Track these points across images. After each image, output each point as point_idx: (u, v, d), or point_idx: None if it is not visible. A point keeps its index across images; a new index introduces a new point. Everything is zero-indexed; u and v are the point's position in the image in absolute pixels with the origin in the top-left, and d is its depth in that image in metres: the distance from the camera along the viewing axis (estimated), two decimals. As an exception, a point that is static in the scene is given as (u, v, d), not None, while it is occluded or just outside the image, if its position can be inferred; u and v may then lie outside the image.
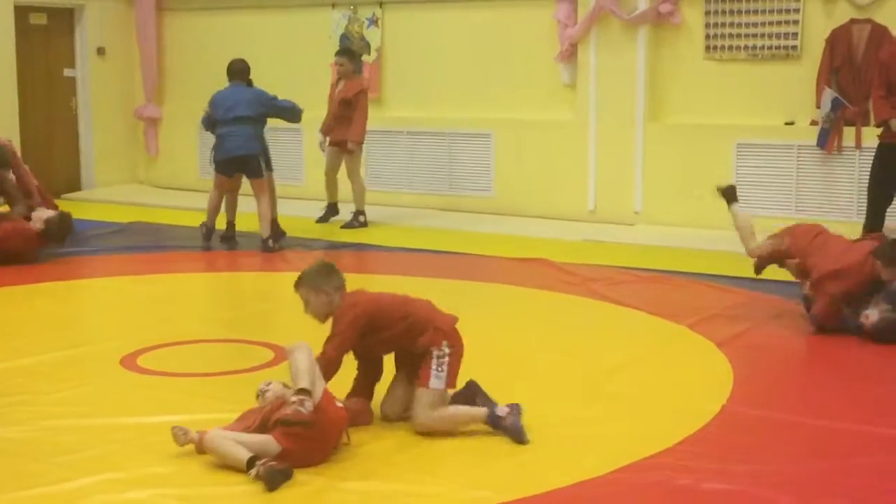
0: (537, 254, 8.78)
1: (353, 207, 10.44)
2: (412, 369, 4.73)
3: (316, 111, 10.47)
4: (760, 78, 9.89)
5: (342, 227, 10.29)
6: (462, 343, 4.79)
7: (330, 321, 4.73)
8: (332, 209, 10.58)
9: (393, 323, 4.72)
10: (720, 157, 9.89)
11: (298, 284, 4.78)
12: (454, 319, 4.83)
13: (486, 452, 4.47)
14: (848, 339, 6.30)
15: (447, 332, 4.73)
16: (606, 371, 5.67)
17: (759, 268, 7.00)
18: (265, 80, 10.30)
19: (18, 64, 12.18)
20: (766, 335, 6.43)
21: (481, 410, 4.65)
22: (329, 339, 4.66)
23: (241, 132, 9.17)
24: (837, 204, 9.46)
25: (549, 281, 7.89)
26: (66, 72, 12.99)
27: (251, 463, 4.10)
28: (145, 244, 9.56)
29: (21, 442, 4.54)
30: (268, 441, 4.20)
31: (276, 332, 6.38)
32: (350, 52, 10.58)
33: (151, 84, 13.29)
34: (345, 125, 10.19)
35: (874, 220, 8.41)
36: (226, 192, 9.49)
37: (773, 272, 7.58)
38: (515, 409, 4.62)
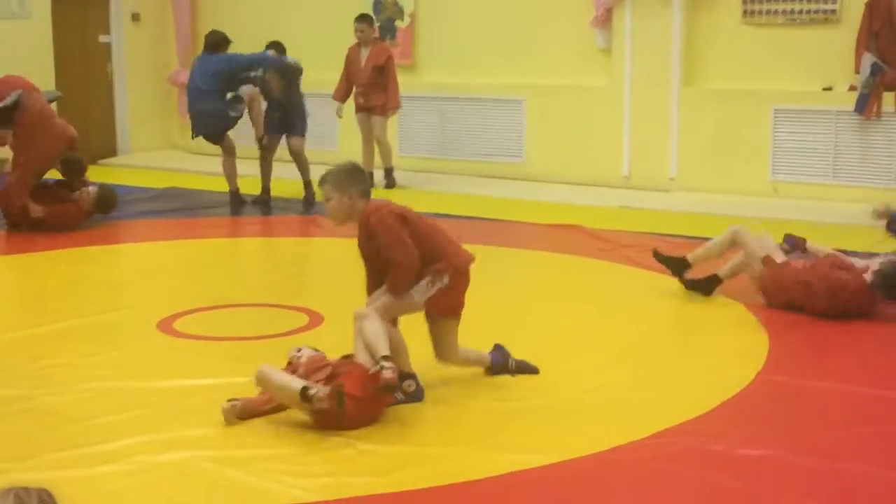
0: (570, 220, 8.75)
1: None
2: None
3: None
4: (798, 42, 9.76)
5: (385, 187, 10.42)
6: (467, 282, 4.69)
7: (347, 227, 4.75)
8: (370, 178, 10.63)
9: (417, 237, 4.60)
10: (757, 123, 9.79)
11: (324, 181, 4.69)
12: (471, 259, 4.75)
13: (521, 417, 4.49)
14: (886, 309, 6.25)
15: (458, 269, 4.65)
16: (640, 337, 5.66)
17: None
18: (298, 46, 10.31)
19: (54, 31, 12.26)
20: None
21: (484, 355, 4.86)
22: (389, 250, 4.53)
23: (199, 110, 9.46)
24: (875, 171, 9.36)
25: (582, 247, 7.87)
26: (102, 38, 13.05)
27: (305, 392, 4.15)
28: (180, 209, 9.62)
29: (60, 404, 4.60)
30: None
31: (310, 296, 6.41)
32: (369, 17, 10.61)
33: (185, 49, 13.30)
34: (378, 91, 10.37)
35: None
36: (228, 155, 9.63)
37: (815, 240, 7.54)
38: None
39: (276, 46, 9.86)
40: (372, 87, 10.37)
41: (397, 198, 9.96)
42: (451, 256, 4.68)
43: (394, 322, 4.70)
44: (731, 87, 10.01)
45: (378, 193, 10.02)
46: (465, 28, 11.43)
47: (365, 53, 10.37)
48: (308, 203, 9.56)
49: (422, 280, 4.61)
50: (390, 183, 10.62)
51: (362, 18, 10.47)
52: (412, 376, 4.64)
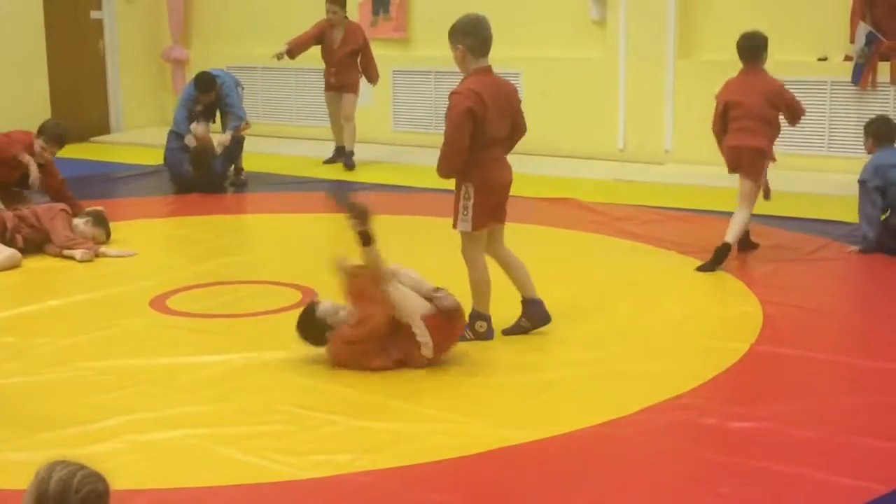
0: (566, 193, 8.72)
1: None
2: None
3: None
4: (793, 13, 9.69)
5: (326, 161, 10.50)
6: (496, 196, 5.06)
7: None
8: (340, 151, 10.60)
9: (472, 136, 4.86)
10: (752, 95, 9.72)
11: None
12: (510, 180, 5.11)
13: (513, 391, 4.48)
14: (880, 281, 6.24)
15: (482, 183, 4.95)
16: (633, 310, 5.65)
17: None
18: (299, 23, 10.23)
19: (45, 8, 12.18)
20: (797, 275, 6.37)
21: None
22: (446, 129, 4.91)
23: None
24: (871, 141, 9.30)
25: (578, 220, 7.85)
26: (93, 14, 12.97)
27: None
28: (174, 186, 9.57)
29: (52, 382, 4.60)
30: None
31: (302, 272, 6.38)
32: None
33: (178, 25, 13.24)
34: (351, 70, 10.30)
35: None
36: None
37: (807, 211, 7.53)
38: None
39: (203, 83, 9.46)
40: (345, 67, 10.29)
41: (386, 174, 10.00)
42: (483, 168, 4.96)
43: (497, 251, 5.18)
44: (727, 59, 9.86)
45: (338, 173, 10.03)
46: (459, 1, 11.33)
47: (338, 34, 10.28)
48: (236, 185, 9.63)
49: (459, 195, 5.00)
50: (349, 165, 10.37)
51: (335, 0, 10.25)
52: (485, 318, 4.96)
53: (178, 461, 3.81)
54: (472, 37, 4.87)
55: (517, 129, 5.12)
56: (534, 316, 5.13)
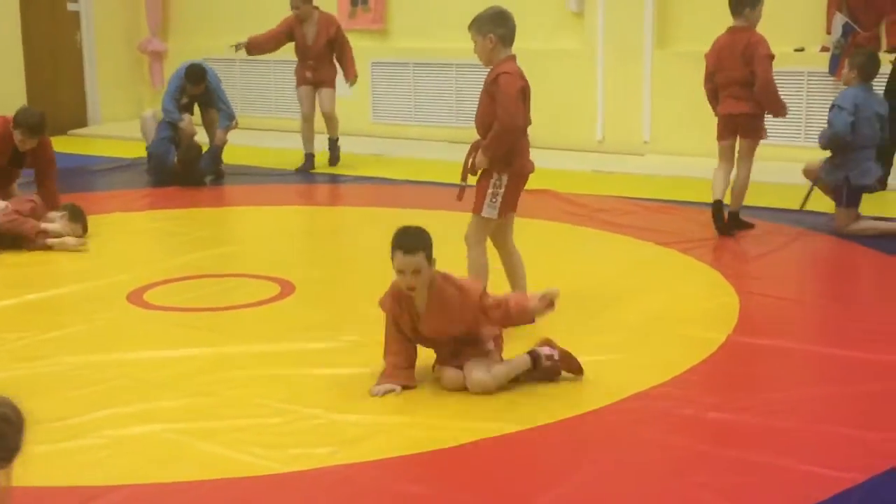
0: (544, 185, 8.72)
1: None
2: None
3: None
4: (769, 3, 9.63)
5: (297, 170, 9.91)
6: (524, 182, 5.17)
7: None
8: (310, 161, 10.01)
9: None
10: (730, 85, 9.75)
11: (470, 25, 5.08)
12: (532, 168, 5.21)
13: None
14: (854, 270, 6.28)
15: (517, 171, 5.02)
16: (612, 301, 5.66)
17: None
18: (278, 15, 10.19)
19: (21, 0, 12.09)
20: (773, 265, 6.40)
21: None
22: (501, 109, 5.02)
23: None
24: (848, 131, 9.35)
25: (556, 212, 7.86)
26: (70, 6, 12.90)
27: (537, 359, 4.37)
28: (151, 179, 9.53)
29: (29, 378, 4.57)
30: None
31: (280, 266, 6.37)
32: None
33: (156, 17, 13.18)
34: (329, 64, 9.83)
35: (887, 148, 8.32)
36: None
37: (784, 202, 7.57)
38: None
39: (195, 75, 9.47)
40: (322, 62, 9.77)
41: (365, 167, 9.98)
42: (520, 157, 5.09)
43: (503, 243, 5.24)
44: (704, 49, 9.92)
45: (322, 167, 9.97)
46: (436, -8, 11.34)
47: (310, 28, 9.71)
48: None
49: (489, 182, 5.06)
50: (335, 157, 10.03)
51: None
52: None
53: (156, 456, 3.79)
54: (502, 27, 5.04)
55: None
56: None
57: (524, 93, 5.01)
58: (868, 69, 7.03)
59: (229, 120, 9.61)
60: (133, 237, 7.57)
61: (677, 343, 4.94)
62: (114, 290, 5.93)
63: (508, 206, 5.15)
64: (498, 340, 4.44)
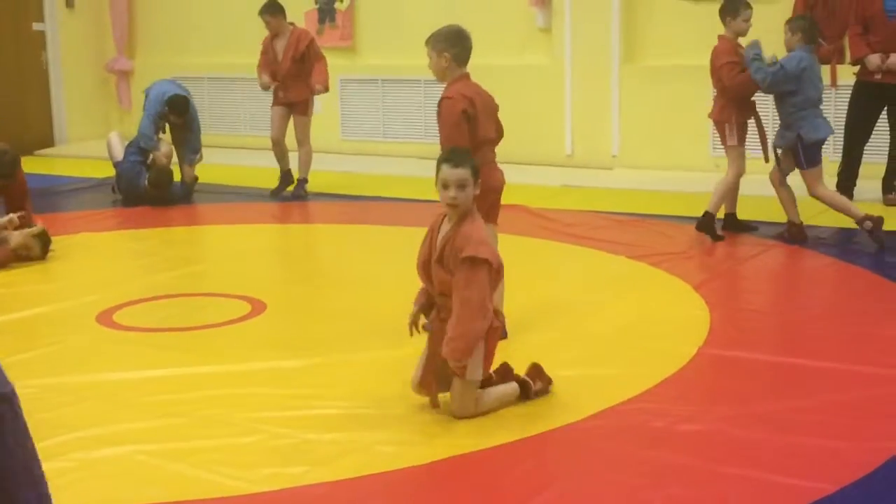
0: (514, 200, 8.72)
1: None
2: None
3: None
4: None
5: (272, 192, 9.51)
6: (493, 195, 5.30)
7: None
8: (287, 177, 9.59)
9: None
10: (698, 99, 9.78)
11: (427, 41, 5.09)
12: (503, 182, 5.44)
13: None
14: (827, 282, 6.33)
15: (482, 187, 4.62)
16: (583, 315, 5.67)
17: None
18: (244, 32, 10.16)
19: (-15, 19, 12.02)
20: (742, 277, 6.45)
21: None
22: (441, 131, 5.09)
23: None
24: (814, 143, 9.42)
25: (526, 227, 7.87)
26: (35, 26, 12.81)
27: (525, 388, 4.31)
28: (120, 199, 9.47)
29: (-4, 401, 4.51)
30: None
31: (250, 284, 6.34)
32: (275, 5, 9.34)
33: (122, 36, 13.12)
34: (300, 84, 9.37)
35: (851, 160, 8.42)
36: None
37: (752, 214, 7.62)
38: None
39: (178, 106, 9.34)
40: (293, 80, 9.33)
41: (335, 184, 9.95)
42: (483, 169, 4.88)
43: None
44: (671, 63, 10.05)
45: (326, 185, 9.94)
46: (405, 9, 11.37)
47: (281, 44, 9.34)
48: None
49: None
50: (300, 192, 9.43)
51: (266, 9, 9.31)
52: None
53: (126, 478, 3.76)
54: (458, 46, 5.09)
55: (499, 131, 5.38)
56: None
57: (467, 115, 5.02)
58: (811, 32, 7.16)
59: (194, 153, 9.55)
60: (101, 257, 7.51)
61: (649, 356, 4.95)
62: (82, 311, 5.88)
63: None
64: (489, 357, 4.34)
